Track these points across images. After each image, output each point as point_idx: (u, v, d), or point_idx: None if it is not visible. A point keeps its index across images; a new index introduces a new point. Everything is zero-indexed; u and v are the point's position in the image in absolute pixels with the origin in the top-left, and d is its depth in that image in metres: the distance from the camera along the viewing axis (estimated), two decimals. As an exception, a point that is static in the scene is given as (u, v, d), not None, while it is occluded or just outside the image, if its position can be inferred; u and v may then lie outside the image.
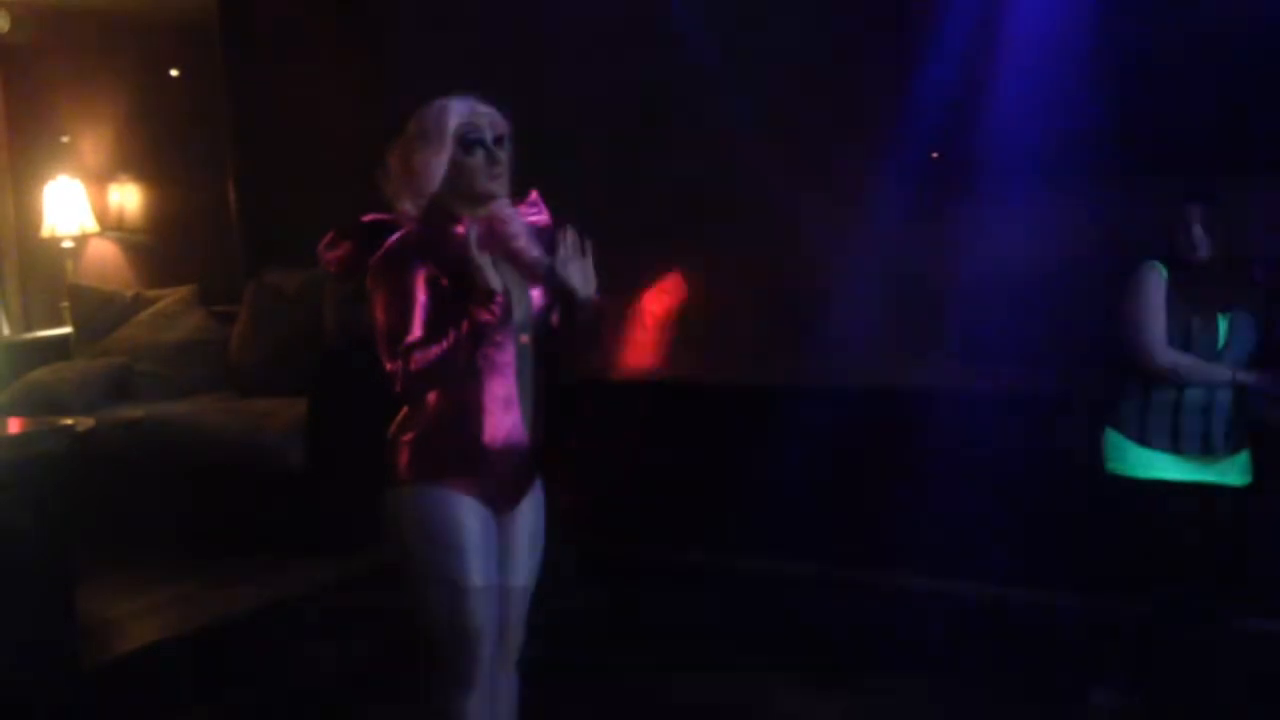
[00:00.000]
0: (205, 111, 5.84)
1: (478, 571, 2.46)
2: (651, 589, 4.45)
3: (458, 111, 2.45)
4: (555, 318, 2.58)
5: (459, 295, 2.37)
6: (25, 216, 6.36)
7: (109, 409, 5.13)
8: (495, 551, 2.53)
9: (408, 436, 2.48)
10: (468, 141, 2.44)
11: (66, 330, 5.92)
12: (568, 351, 2.60)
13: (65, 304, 6.05)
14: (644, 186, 4.72)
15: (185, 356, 5.59)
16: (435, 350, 2.35)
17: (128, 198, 6.27)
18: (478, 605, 2.46)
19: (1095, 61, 3.97)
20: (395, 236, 2.44)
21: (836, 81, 4.44)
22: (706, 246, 4.68)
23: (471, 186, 2.45)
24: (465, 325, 2.35)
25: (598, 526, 4.41)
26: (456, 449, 2.46)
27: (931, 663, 3.87)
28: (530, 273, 2.51)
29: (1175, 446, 3.29)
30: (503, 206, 2.49)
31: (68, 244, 6.20)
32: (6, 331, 6.29)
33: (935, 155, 4.36)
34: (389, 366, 2.38)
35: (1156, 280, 3.28)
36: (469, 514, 2.46)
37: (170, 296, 5.85)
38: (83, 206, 6.15)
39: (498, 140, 2.46)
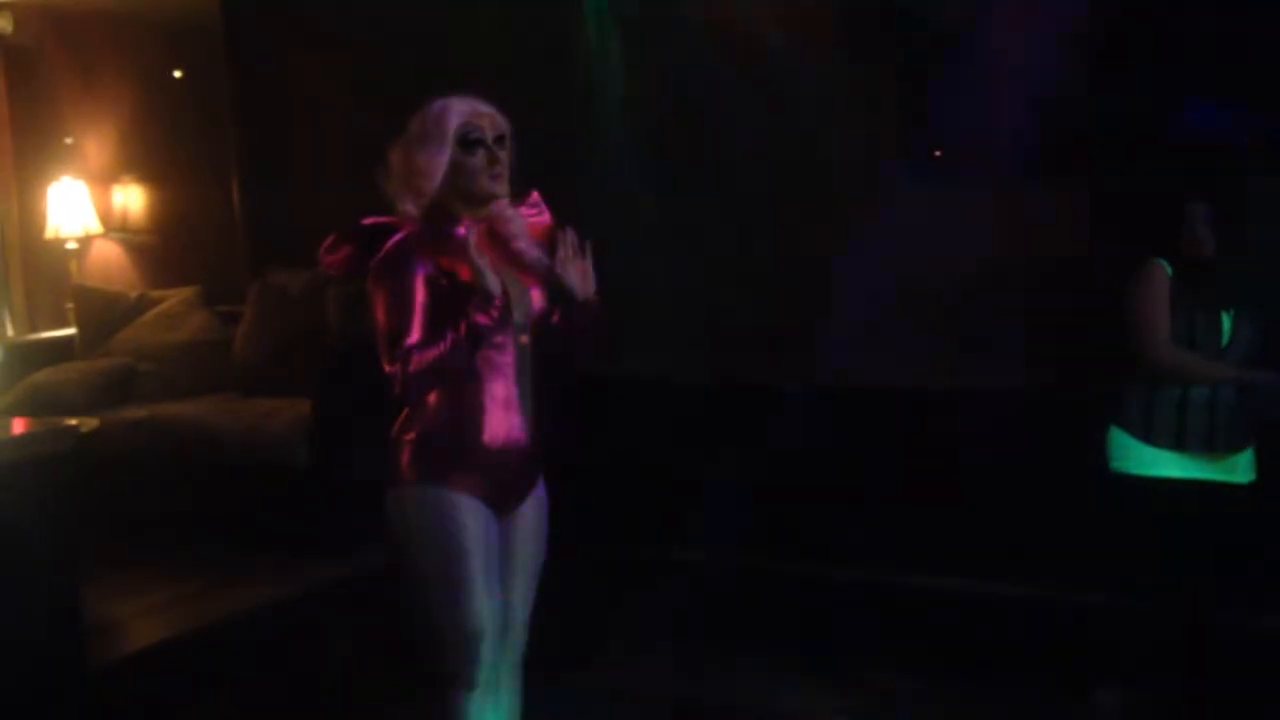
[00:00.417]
0: (209, 112, 5.85)
1: (479, 572, 2.46)
2: (652, 587, 4.44)
3: (459, 111, 2.45)
4: (555, 318, 2.58)
5: (458, 297, 2.38)
6: (29, 218, 6.38)
7: (113, 409, 5.14)
8: (496, 552, 2.53)
9: (409, 437, 2.48)
10: (468, 141, 2.44)
11: (71, 331, 5.93)
12: (567, 352, 2.60)
13: (69, 305, 6.06)
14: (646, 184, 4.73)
15: (189, 357, 5.61)
16: (434, 352, 2.35)
17: (131, 199, 6.29)
18: (479, 606, 2.46)
19: (1096, 55, 3.97)
20: (395, 239, 2.44)
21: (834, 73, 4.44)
22: (703, 244, 4.68)
23: (472, 186, 2.45)
24: (464, 327, 2.36)
25: (598, 525, 4.41)
26: (457, 450, 2.46)
27: (933, 661, 3.86)
28: (530, 274, 2.51)
29: (1179, 444, 3.28)
30: (503, 207, 2.49)
31: (72, 245, 6.22)
32: (11, 332, 6.31)
33: (937, 153, 4.35)
34: (388, 368, 2.38)
35: (1161, 277, 3.27)
36: (470, 514, 2.46)
37: (174, 297, 5.86)
38: (86, 208, 6.17)
39: (498, 140, 2.46)
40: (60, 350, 5.79)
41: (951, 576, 4.14)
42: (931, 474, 4.04)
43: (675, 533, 4.62)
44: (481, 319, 2.36)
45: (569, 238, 2.47)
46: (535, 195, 2.58)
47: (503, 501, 2.54)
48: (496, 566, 2.53)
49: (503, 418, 2.48)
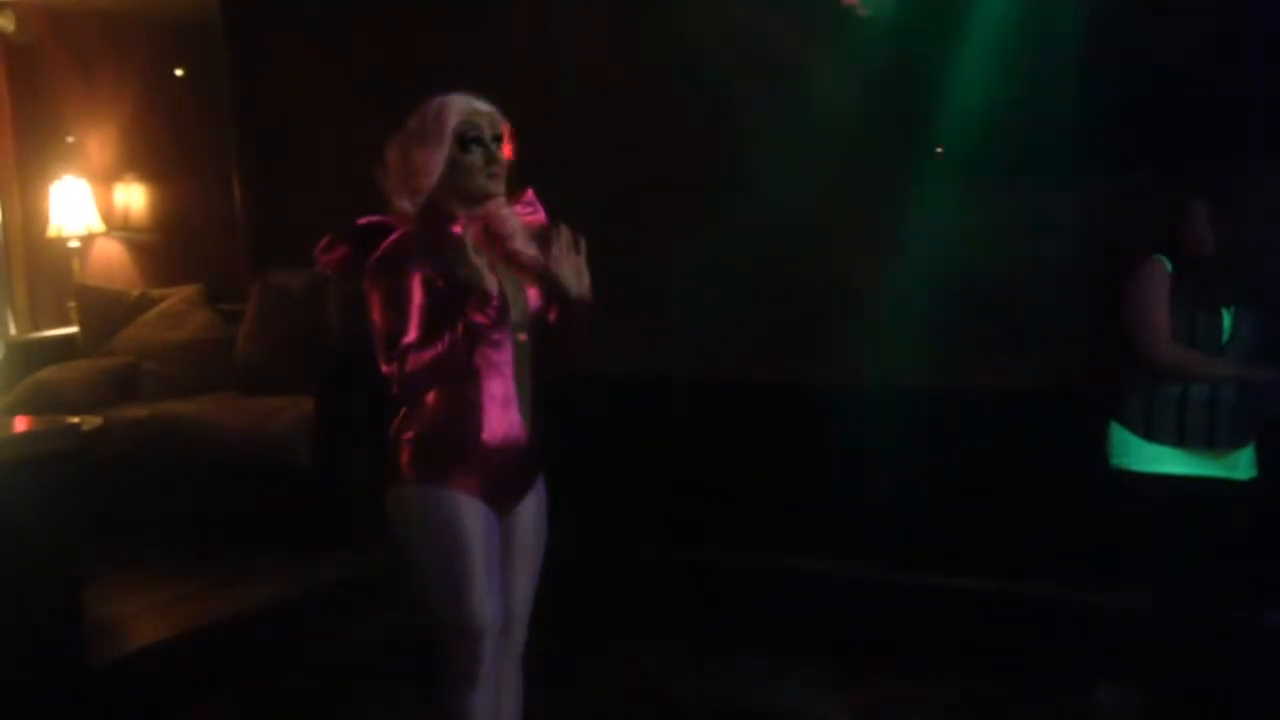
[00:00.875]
0: (210, 111, 5.86)
1: (480, 570, 2.46)
2: (652, 586, 4.44)
3: (457, 109, 2.45)
4: (552, 315, 2.58)
5: (455, 296, 2.37)
6: (32, 217, 6.39)
7: (115, 408, 5.15)
8: (497, 549, 2.53)
9: (408, 436, 2.48)
10: (466, 140, 2.44)
11: (73, 329, 5.94)
12: (564, 349, 2.59)
13: (72, 303, 6.07)
14: (654, 178, 4.72)
15: (191, 355, 5.61)
16: (431, 352, 2.35)
17: (133, 197, 6.30)
18: (480, 604, 2.46)
19: (1097, 52, 3.97)
20: (391, 238, 2.43)
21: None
22: (716, 245, 4.68)
23: (469, 185, 2.45)
24: (461, 327, 2.35)
25: (600, 522, 4.41)
26: (456, 448, 2.46)
27: (936, 659, 3.86)
28: (526, 272, 2.51)
29: (1180, 441, 3.28)
30: (499, 205, 2.50)
31: (74, 244, 6.23)
32: (13, 331, 6.31)
33: (939, 150, 4.35)
34: (385, 369, 2.38)
35: (1161, 274, 3.27)
36: (470, 512, 2.46)
37: (176, 295, 5.86)
38: (88, 206, 6.17)
39: (496, 139, 2.46)
40: (62, 349, 5.80)
41: (952, 574, 4.14)
42: (932, 472, 4.04)
43: (675, 531, 4.63)
44: (479, 318, 2.36)
45: (563, 235, 2.47)
46: (530, 193, 2.58)
47: (502, 499, 2.54)
48: (497, 564, 2.53)
49: (501, 416, 2.48)
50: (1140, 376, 3.32)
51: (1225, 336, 3.26)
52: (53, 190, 6.17)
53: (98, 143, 6.30)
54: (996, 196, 4.18)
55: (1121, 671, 3.44)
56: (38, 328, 6.34)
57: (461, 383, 2.44)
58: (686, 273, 4.48)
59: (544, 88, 4.77)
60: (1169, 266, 3.28)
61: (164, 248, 6.22)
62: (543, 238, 2.50)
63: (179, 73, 6.05)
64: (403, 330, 2.37)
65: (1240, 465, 3.32)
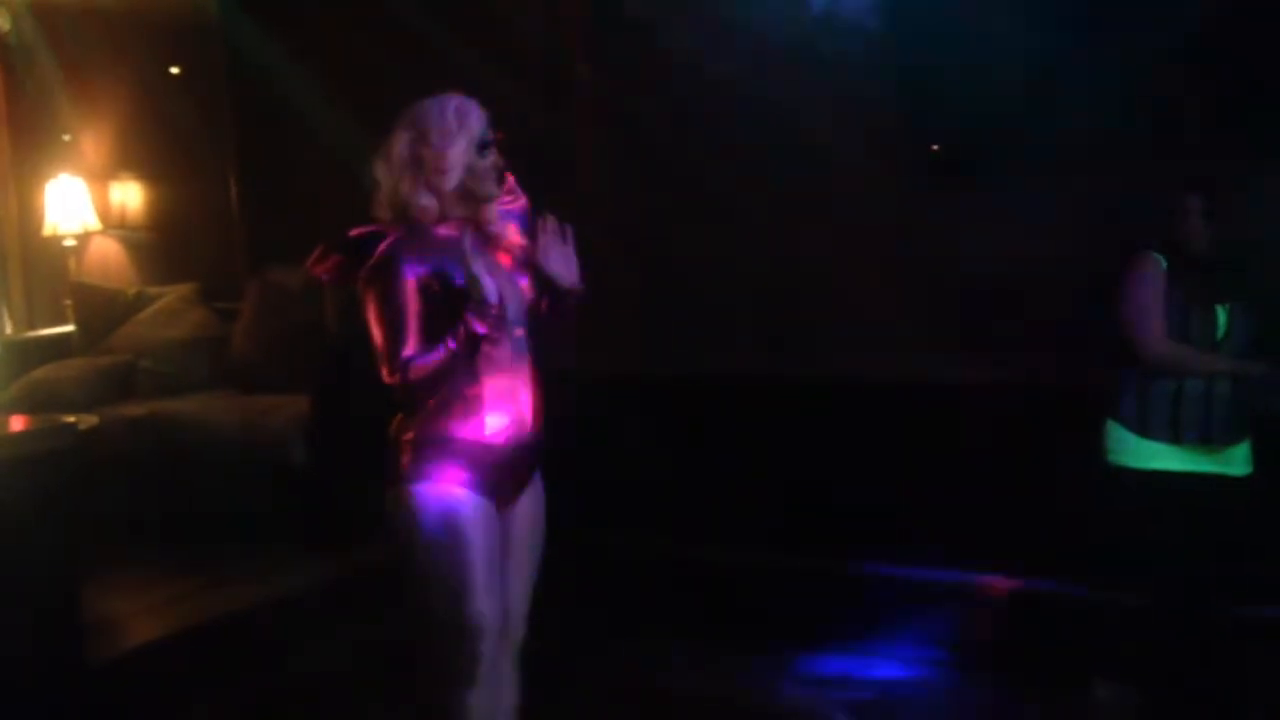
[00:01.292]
0: (207, 109, 5.85)
1: (480, 568, 2.46)
2: (652, 585, 4.44)
3: (479, 113, 2.45)
4: (543, 306, 2.58)
5: (451, 299, 2.37)
6: (27, 215, 6.37)
7: (112, 406, 5.14)
8: (497, 547, 2.53)
9: (408, 435, 2.48)
10: (484, 143, 2.44)
11: (69, 328, 5.93)
12: (554, 339, 2.60)
13: (68, 302, 6.06)
14: (654, 178, 4.72)
15: (188, 354, 5.61)
16: (433, 361, 2.36)
17: (129, 196, 6.28)
18: (480, 602, 2.46)
19: (1094, 50, 3.97)
20: (383, 245, 2.41)
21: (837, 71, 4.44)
22: (705, 240, 4.68)
23: (479, 188, 2.46)
24: (461, 333, 2.35)
25: (600, 522, 4.41)
26: (456, 446, 2.46)
27: (934, 656, 3.87)
28: (518, 266, 2.52)
29: (1175, 437, 3.28)
30: (490, 207, 2.50)
31: (70, 242, 6.21)
32: (9, 330, 6.30)
33: (935, 148, 4.35)
34: (388, 379, 2.39)
35: (1156, 270, 3.27)
36: (470, 511, 2.46)
37: (172, 294, 5.86)
38: (85, 205, 6.16)
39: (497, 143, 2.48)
40: (59, 347, 5.79)
41: (948, 571, 4.14)
42: (928, 468, 4.04)
43: (675, 528, 4.63)
44: (479, 327, 2.36)
45: (549, 224, 2.47)
46: (510, 180, 2.57)
47: (502, 495, 2.54)
48: (498, 563, 2.53)
49: (500, 412, 2.48)
50: (1135, 373, 3.32)
51: (1221, 332, 3.26)
52: (49, 189, 6.16)
53: (94, 141, 6.29)
54: (994, 195, 4.18)
55: (1119, 669, 3.44)
56: (34, 326, 6.33)
57: (460, 380, 2.44)
58: (686, 272, 4.49)
59: (544, 87, 4.77)
60: (1164, 263, 3.28)
61: (160, 246, 6.21)
62: (529, 227, 2.50)
63: (175, 71, 6.04)
64: (402, 342, 2.37)
65: (1236, 461, 3.32)
